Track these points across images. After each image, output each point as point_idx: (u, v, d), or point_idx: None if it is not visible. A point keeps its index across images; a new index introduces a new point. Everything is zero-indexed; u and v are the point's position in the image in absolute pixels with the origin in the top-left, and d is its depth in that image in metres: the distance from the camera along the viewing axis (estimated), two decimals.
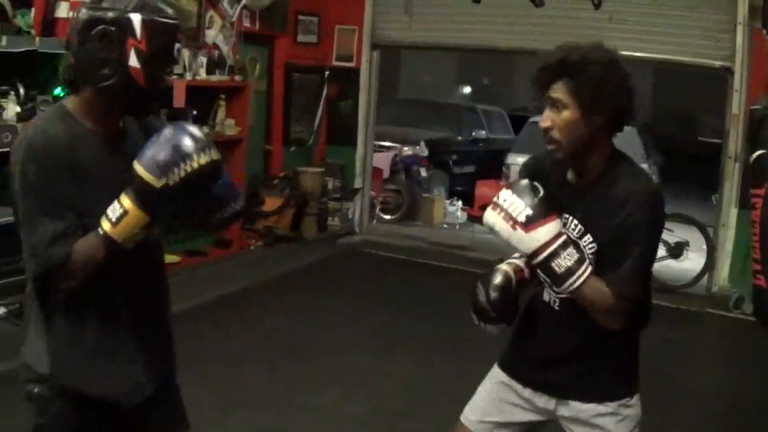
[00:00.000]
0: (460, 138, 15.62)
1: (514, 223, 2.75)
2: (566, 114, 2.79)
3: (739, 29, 9.05)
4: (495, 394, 3.21)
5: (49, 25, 6.91)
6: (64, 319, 2.69)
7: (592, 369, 3.04)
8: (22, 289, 6.61)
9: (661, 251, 9.61)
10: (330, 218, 11.08)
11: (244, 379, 6.03)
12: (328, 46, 11.16)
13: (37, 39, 6.61)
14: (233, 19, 9.34)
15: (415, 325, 7.41)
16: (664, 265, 9.56)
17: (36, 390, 2.72)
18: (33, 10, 6.73)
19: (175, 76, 8.27)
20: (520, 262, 3.06)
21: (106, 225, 2.52)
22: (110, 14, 2.54)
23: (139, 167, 2.50)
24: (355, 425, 5.46)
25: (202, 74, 8.77)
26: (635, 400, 3.10)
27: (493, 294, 2.96)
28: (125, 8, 2.55)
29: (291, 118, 10.88)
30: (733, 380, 6.94)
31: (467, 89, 27.15)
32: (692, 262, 9.57)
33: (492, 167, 14.26)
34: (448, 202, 13.49)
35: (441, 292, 8.55)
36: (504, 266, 3.05)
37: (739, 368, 7.24)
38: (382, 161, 12.65)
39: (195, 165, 2.52)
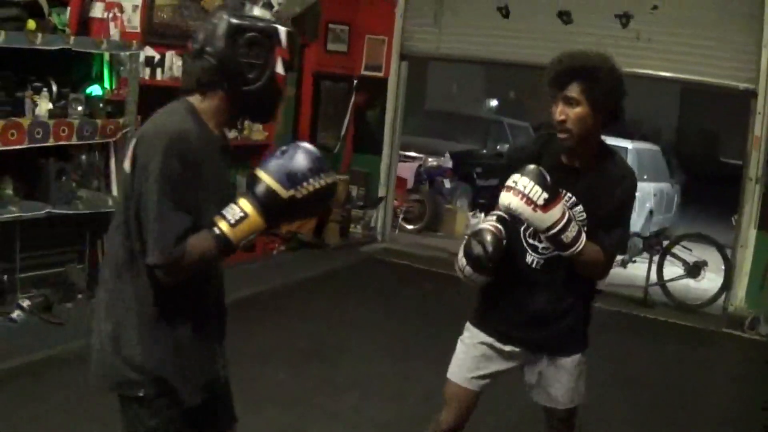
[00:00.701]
0: (485, 151, 15.65)
1: (535, 205, 3.22)
2: (578, 110, 3.35)
3: (764, 52, 9.10)
4: (477, 352, 3.77)
5: (83, 24, 7.02)
6: (165, 317, 2.79)
7: (573, 325, 3.72)
8: (46, 283, 6.78)
9: (679, 270, 9.66)
10: (353, 226, 11.16)
11: (265, 380, 6.10)
12: (358, 56, 11.29)
13: (72, 38, 6.71)
14: None
15: (434, 332, 7.43)
16: (682, 284, 9.61)
17: (142, 393, 2.79)
18: (69, 9, 6.84)
19: None
20: (498, 224, 3.54)
21: (223, 225, 2.63)
22: (260, 24, 2.74)
23: (266, 176, 2.66)
24: (372, 430, 5.53)
25: None
26: None
27: (490, 247, 3.42)
28: (272, 19, 2.78)
29: (318, 125, 10.97)
30: (747, 400, 6.97)
31: (494, 102, 27.13)
32: (710, 281, 9.61)
33: None
34: (470, 213, 13.53)
35: (461, 301, 8.57)
36: (489, 226, 3.52)
37: (753, 388, 7.27)
38: (407, 171, 12.73)
39: (323, 183, 2.71)
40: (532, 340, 3.71)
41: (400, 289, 9.27)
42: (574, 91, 3.34)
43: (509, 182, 3.28)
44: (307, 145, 2.77)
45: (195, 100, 2.81)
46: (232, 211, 2.64)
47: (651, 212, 14.02)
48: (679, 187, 16.08)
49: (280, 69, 2.79)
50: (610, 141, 11.47)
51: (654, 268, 9.71)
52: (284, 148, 2.73)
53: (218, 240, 2.63)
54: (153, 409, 2.81)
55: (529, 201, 3.22)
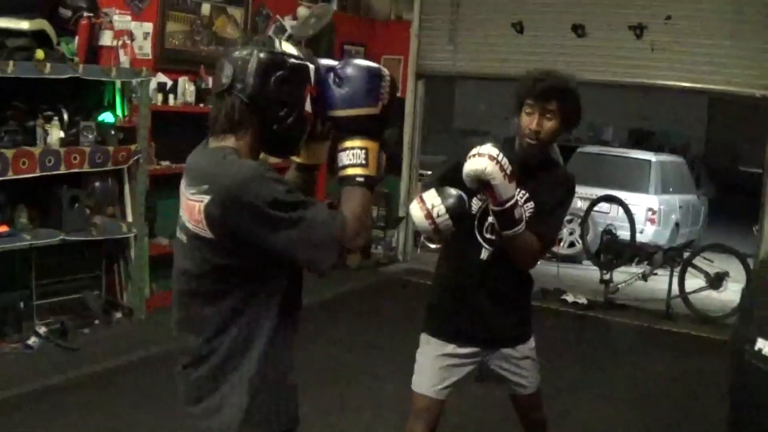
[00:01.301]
0: None
1: (505, 173, 3.49)
2: (552, 123, 3.73)
3: None
4: (441, 363, 4.00)
5: (92, 52, 7.10)
6: (273, 358, 2.78)
7: (522, 316, 4.05)
8: (63, 309, 6.84)
9: (701, 282, 9.58)
10: (374, 246, 11.15)
11: None
12: None
13: (81, 66, 6.79)
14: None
15: None
16: (704, 296, 9.52)
17: None
18: (77, 38, 6.92)
19: None
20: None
21: (360, 170, 2.69)
22: (291, 60, 2.63)
23: (348, 110, 2.68)
24: None
25: None
26: None
27: (451, 201, 3.60)
28: (302, 56, 2.68)
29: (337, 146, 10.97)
30: None
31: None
32: (733, 292, 9.50)
33: None
34: None
35: None
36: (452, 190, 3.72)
37: None
38: None
39: (389, 79, 2.73)
40: (489, 336, 3.97)
41: (419, 309, 9.20)
42: (553, 106, 3.70)
43: (479, 150, 3.52)
44: (353, 61, 2.77)
45: (229, 141, 2.69)
46: (355, 154, 2.69)
47: (677, 225, 13.93)
48: (705, 199, 15.95)
49: (308, 107, 2.70)
50: (635, 154, 11.47)
51: (675, 280, 9.63)
52: (338, 74, 2.70)
53: (365, 184, 2.69)
54: None
55: (501, 167, 3.48)
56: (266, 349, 2.72)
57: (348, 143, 2.68)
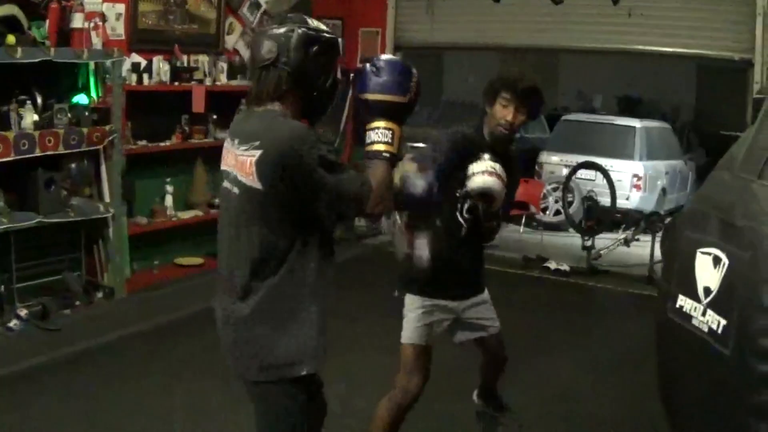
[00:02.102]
0: None
1: (503, 183, 4.05)
2: (523, 117, 4.28)
3: (759, 21, 9.04)
4: (427, 317, 4.54)
5: (64, 35, 7.10)
6: (317, 302, 3.14)
7: (482, 271, 4.73)
8: (43, 291, 6.88)
9: None
10: (357, 219, 11.15)
11: None
12: (352, 49, 11.28)
13: (52, 49, 6.80)
14: (254, 25, 9.49)
15: None
16: None
17: (305, 371, 3.12)
18: (48, 21, 6.91)
19: (194, 82, 8.44)
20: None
21: (385, 147, 3.06)
22: (326, 35, 3.08)
23: (380, 95, 3.07)
24: (357, 419, 5.51)
25: (223, 79, 8.94)
26: None
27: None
28: (331, 31, 3.15)
29: (314, 121, 10.97)
30: None
31: None
32: None
33: (526, 166, 14.25)
34: None
35: None
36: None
37: None
38: None
39: (417, 77, 3.15)
40: (465, 291, 4.61)
41: None
42: (527, 104, 4.24)
43: (485, 167, 4.04)
44: (389, 56, 3.22)
45: (277, 106, 3.06)
46: (382, 133, 3.06)
47: (664, 190, 13.93)
48: (693, 165, 15.93)
49: (339, 75, 3.15)
50: (619, 121, 11.48)
51: (657, 245, 9.64)
52: (376, 65, 3.11)
53: (389, 160, 3.05)
54: (305, 384, 3.17)
55: (502, 181, 4.05)
56: (311, 288, 3.09)
57: (376, 124, 3.06)
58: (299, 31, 3.00)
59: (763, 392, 3.00)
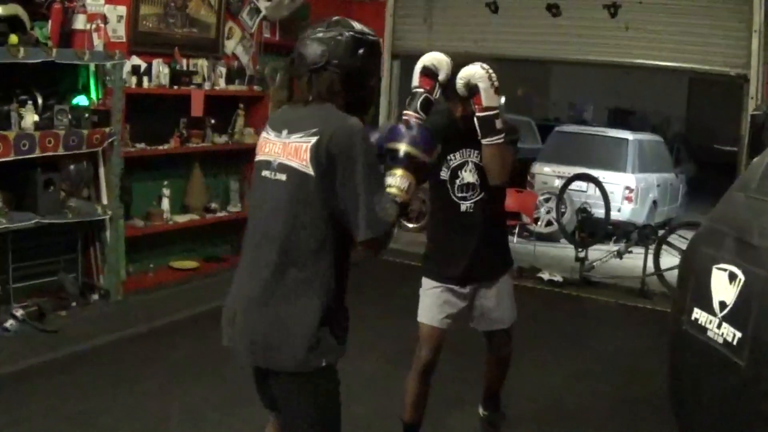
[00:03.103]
0: None
1: (493, 84, 4.22)
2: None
3: (755, 37, 9.08)
4: (441, 299, 4.69)
5: (66, 36, 7.12)
6: (339, 295, 3.27)
7: (501, 252, 4.80)
8: (40, 292, 6.88)
9: (676, 260, 9.62)
10: None
11: (244, 378, 6.12)
12: None
13: (54, 50, 6.80)
14: (252, 30, 9.52)
15: None
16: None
17: (324, 363, 3.23)
18: (50, 22, 6.92)
19: (193, 86, 8.46)
20: None
21: (400, 193, 3.19)
22: (370, 38, 3.25)
23: (411, 149, 3.26)
24: (355, 426, 5.52)
25: (221, 84, 8.95)
26: None
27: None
28: (374, 33, 3.31)
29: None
30: None
31: (501, 99, 27.03)
32: None
33: (518, 177, 14.28)
34: None
35: None
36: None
37: None
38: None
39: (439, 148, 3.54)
40: (479, 275, 4.67)
41: (396, 288, 9.23)
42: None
43: (475, 66, 4.23)
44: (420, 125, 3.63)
45: (327, 106, 3.21)
46: (401, 180, 3.20)
47: (655, 203, 14.01)
48: (684, 177, 16.02)
49: (380, 74, 3.25)
50: (612, 133, 11.51)
51: (651, 258, 9.69)
52: (410, 123, 3.51)
53: (400, 206, 3.19)
54: (332, 374, 3.31)
55: (490, 77, 4.21)
56: (337, 280, 3.22)
57: (398, 171, 3.21)
58: (347, 34, 3.18)
59: None
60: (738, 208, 3.84)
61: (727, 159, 18.52)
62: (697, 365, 3.76)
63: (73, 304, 7.31)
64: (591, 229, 10.45)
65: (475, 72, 4.21)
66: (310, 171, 3.08)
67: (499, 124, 4.28)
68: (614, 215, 11.29)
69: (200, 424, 5.37)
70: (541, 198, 13.07)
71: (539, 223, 12.77)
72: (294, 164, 3.12)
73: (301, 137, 3.12)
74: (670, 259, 9.69)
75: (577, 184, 11.94)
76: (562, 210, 11.80)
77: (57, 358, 6.28)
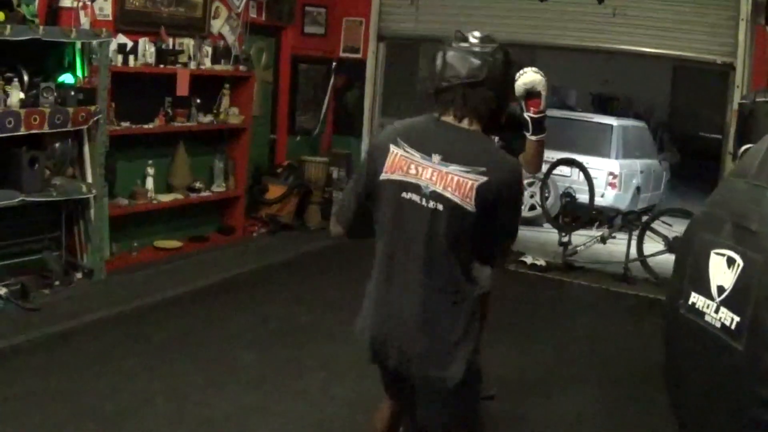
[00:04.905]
0: None
1: (548, 89, 4.45)
2: None
3: (742, 25, 9.09)
4: None
5: (53, 14, 7.08)
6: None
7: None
8: (23, 270, 6.85)
9: (660, 246, 9.67)
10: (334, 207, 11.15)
11: (235, 360, 6.16)
12: (336, 38, 11.30)
13: (41, 28, 6.76)
14: (239, 10, 9.48)
15: None
16: (662, 260, 9.61)
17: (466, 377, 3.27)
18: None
19: (179, 65, 8.42)
20: None
21: None
22: (514, 58, 3.22)
23: None
24: (337, 407, 5.56)
25: (207, 63, 8.91)
26: None
27: None
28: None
29: (297, 108, 11.02)
30: None
31: None
32: None
33: None
34: None
35: None
36: None
37: None
38: None
39: None
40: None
41: None
42: None
43: (527, 69, 4.36)
44: None
45: (475, 126, 3.20)
46: None
47: (638, 189, 14.03)
48: (667, 164, 16.05)
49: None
50: (597, 119, 11.52)
51: (634, 244, 9.73)
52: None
53: None
54: (477, 389, 3.41)
55: (547, 84, 4.43)
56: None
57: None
58: (504, 53, 3.16)
59: None
60: (737, 194, 3.87)
61: (711, 147, 18.62)
62: (694, 349, 3.81)
63: (57, 282, 7.27)
64: (575, 213, 10.48)
65: (539, 80, 4.37)
66: (472, 209, 3.06)
67: (546, 122, 4.50)
68: (598, 201, 11.29)
69: (183, 404, 5.37)
70: (525, 182, 13.06)
71: (522, 206, 12.76)
72: (455, 199, 3.08)
73: (465, 172, 3.08)
74: (653, 245, 9.73)
75: (560, 169, 11.94)
76: (546, 195, 11.81)
77: (41, 337, 6.26)
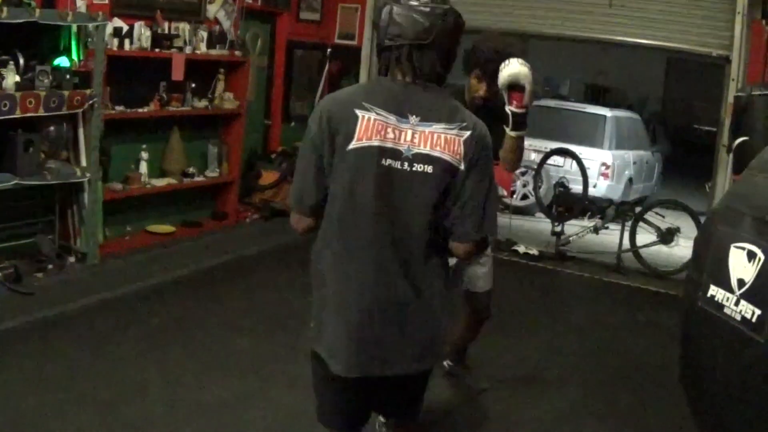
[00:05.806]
0: None
1: (533, 83, 4.26)
2: (496, 88, 4.45)
3: (738, 19, 9.09)
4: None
5: None
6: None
7: None
8: (16, 254, 6.83)
9: (652, 237, 9.69)
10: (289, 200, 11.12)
11: (228, 346, 6.15)
12: (331, 24, 11.28)
13: (38, 11, 6.72)
14: None
15: None
16: (655, 251, 9.65)
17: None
18: None
19: (174, 49, 8.39)
20: None
21: None
22: (463, 22, 3.10)
23: None
24: None
25: (203, 48, 8.88)
26: None
27: None
28: None
29: (291, 94, 11.00)
30: None
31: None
32: (683, 248, 9.59)
33: (496, 150, 14.24)
34: None
35: None
36: None
37: None
38: None
39: None
40: None
41: None
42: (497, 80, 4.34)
43: (513, 60, 4.25)
44: None
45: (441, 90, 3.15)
46: None
47: (630, 180, 14.07)
48: (660, 156, 16.08)
49: None
50: (590, 109, 11.53)
51: (627, 234, 9.74)
52: None
53: None
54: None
55: (532, 78, 4.25)
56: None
57: None
58: (454, 15, 3.02)
59: None
60: (758, 188, 3.84)
61: (703, 139, 18.67)
62: (713, 341, 3.80)
63: (50, 266, 7.26)
64: (568, 203, 10.49)
65: (524, 72, 4.21)
66: (462, 165, 2.98)
67: (527, 118, 4.39)
68: (590, 191, 11.32)
69: (177, 389, 5.36)
70: (517, 171, 13.09)
71: (515, 196, 12.79)
72: (446, 157, 2.97)
73: (448, 128, 2.99)
74: (646, 236, 9.76)
75: (554, 159, 11.97)
76: (539, 184, 11.82)
77: (35, 321, 6.24)
